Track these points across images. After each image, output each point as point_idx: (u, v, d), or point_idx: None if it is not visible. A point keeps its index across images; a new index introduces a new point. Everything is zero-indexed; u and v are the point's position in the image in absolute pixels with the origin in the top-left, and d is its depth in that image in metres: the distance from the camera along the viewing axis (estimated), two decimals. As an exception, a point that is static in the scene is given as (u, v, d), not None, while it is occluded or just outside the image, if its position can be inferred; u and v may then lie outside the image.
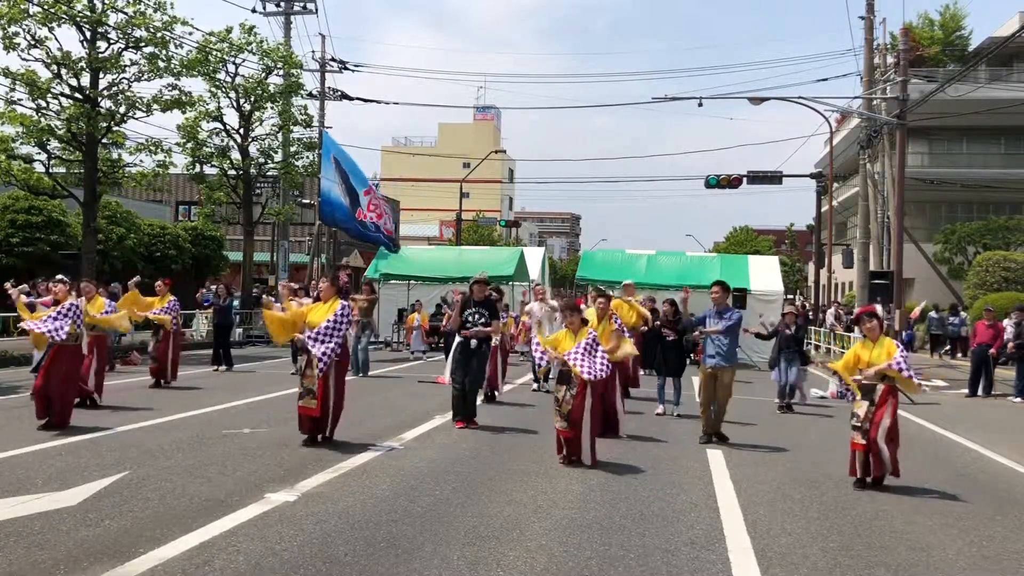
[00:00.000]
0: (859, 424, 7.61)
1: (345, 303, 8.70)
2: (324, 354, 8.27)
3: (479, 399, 11.19)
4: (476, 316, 10.34)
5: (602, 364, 8.01)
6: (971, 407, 14.95)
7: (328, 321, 8.38)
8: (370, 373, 15.83)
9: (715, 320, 9.65)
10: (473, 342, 10.22)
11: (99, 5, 19.73)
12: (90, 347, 10.77)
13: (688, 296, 10.77)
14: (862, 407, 7.63)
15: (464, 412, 10.15)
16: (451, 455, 8.31)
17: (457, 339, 10.51)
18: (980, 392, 16.41)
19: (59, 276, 10.64)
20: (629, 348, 9.49)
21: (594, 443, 8.06)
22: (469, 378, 10.23)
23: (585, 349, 8.00)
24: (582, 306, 9.62)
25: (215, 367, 16.15)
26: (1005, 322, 17.11)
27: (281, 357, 19.30)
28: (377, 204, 23.39)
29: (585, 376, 7.87)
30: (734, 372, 9.82)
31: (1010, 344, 16.11)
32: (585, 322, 8.45)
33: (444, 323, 11.41)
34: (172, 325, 13.63)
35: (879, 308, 7.93)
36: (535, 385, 14.30)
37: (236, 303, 24.52)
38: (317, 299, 9.12)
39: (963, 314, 26.73)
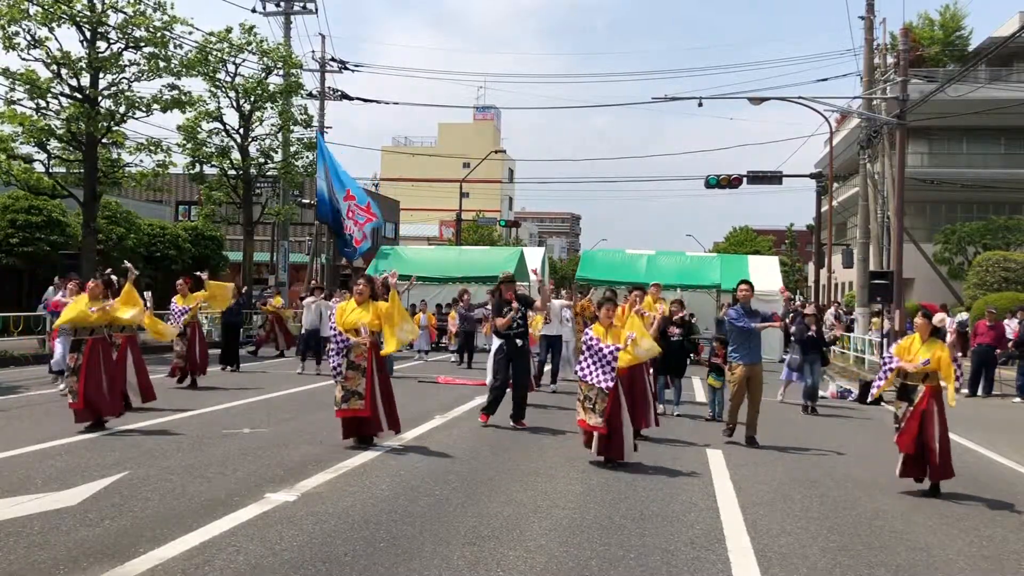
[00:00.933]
0: (897, 425, 7.59)
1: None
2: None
3: (482, 399, 11.21)
4: (516, 315, 10.30)
5: (608, 374, 8.01)
6: (971, 407, 14.95)
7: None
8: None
9: (744, 318, 9.63)
10: (518, 341, 10.23)
11: (99, 5, 19.72)
12: (122, 349, 10.32)
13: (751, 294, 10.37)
14: (901, 407, 7.57)
15: (492, 409, 10.20)
16: (451, 455, 8.30)
17: (497, 342, 10.52)
18: (980, 392, 16.42)
19: (110, 275, 10.10)
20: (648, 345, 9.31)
21: (633, 439, 8.15)
22: (517, 379, 10.29)
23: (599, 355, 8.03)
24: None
25: (223, 366, 16.13)
26: (1005, 321, 17.11)
27: (281, 357, 19.30)
28: (355, 211, 23.30)
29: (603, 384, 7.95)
30: (761, 368, 9.88)
31: (1009, 344, 16.14)
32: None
33: (492, 326, 11.27)
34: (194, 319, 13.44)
35: (940, 316, 7.86)
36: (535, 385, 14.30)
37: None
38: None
39: (964, 315, 26.65)
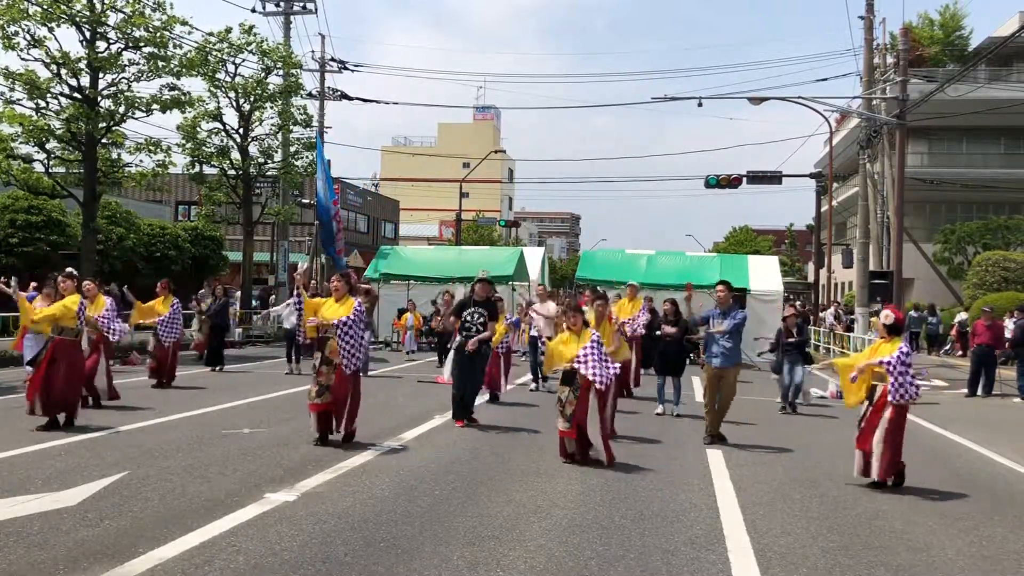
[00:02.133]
0: (859, 424, 7.73)
1: (359, 300, 8.71)
2: (350, 354, 8.36)
3: (482, 399, 11.21)
4: (475, 316, 10.30)
5: (611, 369, 8.04)
6: (971, 407, 14.95)
7: (349, 318, 8.38)
8: (370, 373, 15.82)
9: (719, 320, 9.63)
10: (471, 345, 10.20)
11: (98, 5, 19.70)
12: (95, 345, 10.70)
13: (691, 294, 10.75)
14: (863, 407, 7.71)
15: (462, 413, 10.17)
16: (451, 455, 8.31)
17: (456, 340, 10.50)
18: (980, 392, 16.42)
19: (68, 270, 10.09)
20: (626, 352, 9.49)
21: (607, 441, 8.09)
22: (468, 382, 10.26)
23: (592, 354, 7.97)
24: (584, 307, 9.57)
25: (210, 367, 16.12)
26: (1005, 320, 17.11)
27: (279, 357, 19.29)
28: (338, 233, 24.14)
29: (598, 385, 7.82)
30: (738, 372, 9.90)
31: (1006, 344, 16.14)
32: (587, 324, 8.44)
33: (436, 323, 11.28)
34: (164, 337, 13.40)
35: (885, 312, 7.97)
36: (533, 385, 14.32)
37: (236, 305, 24.55)
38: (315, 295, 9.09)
39: (963, 315, 26.68)
